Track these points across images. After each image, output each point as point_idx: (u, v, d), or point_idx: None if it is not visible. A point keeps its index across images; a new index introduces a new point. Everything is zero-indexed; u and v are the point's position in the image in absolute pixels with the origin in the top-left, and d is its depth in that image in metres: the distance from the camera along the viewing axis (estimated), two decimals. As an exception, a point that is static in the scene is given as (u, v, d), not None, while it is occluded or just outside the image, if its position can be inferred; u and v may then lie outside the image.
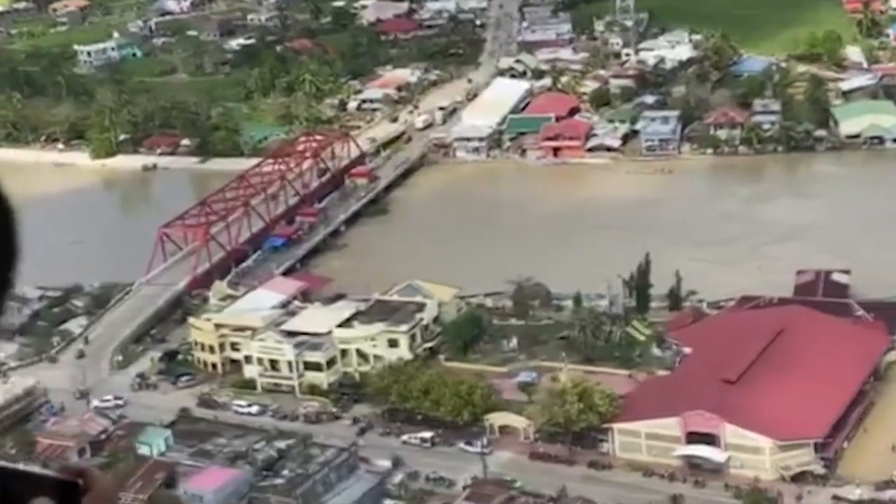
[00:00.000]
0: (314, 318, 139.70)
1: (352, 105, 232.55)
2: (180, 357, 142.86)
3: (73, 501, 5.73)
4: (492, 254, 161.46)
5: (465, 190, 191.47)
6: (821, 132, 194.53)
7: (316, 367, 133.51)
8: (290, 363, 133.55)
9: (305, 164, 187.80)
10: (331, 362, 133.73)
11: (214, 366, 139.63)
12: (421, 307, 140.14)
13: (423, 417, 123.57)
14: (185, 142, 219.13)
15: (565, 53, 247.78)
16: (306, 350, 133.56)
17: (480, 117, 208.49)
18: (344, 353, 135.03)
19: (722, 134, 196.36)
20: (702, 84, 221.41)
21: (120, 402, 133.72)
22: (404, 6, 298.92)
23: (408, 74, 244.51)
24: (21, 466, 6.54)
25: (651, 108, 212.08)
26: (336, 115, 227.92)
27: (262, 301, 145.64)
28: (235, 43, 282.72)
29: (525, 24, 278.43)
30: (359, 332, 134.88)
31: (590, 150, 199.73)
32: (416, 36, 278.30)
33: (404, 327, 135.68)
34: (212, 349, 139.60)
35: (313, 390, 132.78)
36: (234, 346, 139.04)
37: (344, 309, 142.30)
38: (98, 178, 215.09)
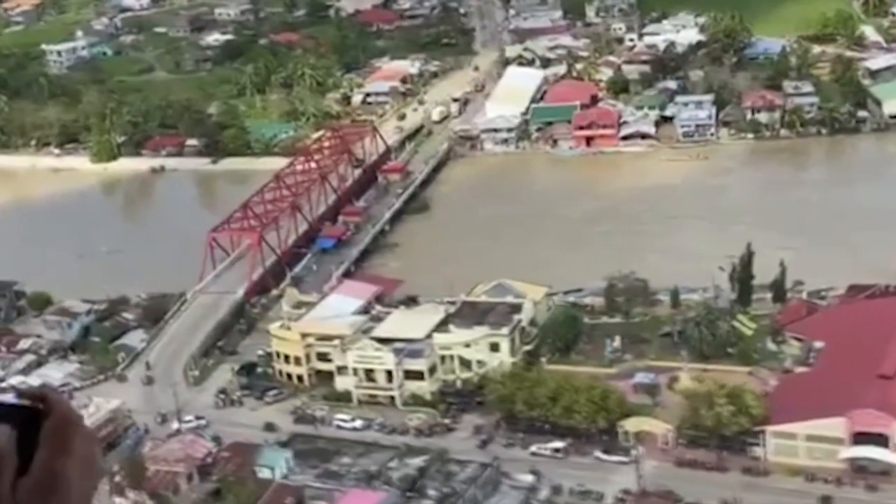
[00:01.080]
0: (405, 324, 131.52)
1: (356, 99, 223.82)
2: (259, 370, 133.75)
3: (34, 427, 5.38)
4: (556, 249, 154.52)
5: (504, 182, 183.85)
6: (863, 113, 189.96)
7: (417, 375, 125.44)
8: (389, 372, 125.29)
9: (339, 161, 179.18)
10: (431, 370, 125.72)
11: (300, 378, 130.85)
12: (516, 308, 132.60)
13: (550, 425, 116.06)
14: (191, 142, 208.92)
15: (565, 40, 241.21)
16: (406, 357, 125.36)
17: (504, 107, 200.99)
18: (441, 359, 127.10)
19: (762, 117, 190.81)
20: (719, 67, 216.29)
21: (202, 421, 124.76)
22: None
23: (408, 66, 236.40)
24: None
25: (676, 93, 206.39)
26: (344, 109, 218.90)
27: (339, 307, 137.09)
28: (212, 38, 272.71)
29: (512, 11, 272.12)
30: (460, 336, 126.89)
31: (624, 138, 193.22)
32: (400, 27, 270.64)
33: (505, 330, 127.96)
34: (297, 360, 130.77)
35: (416, 400, 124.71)
36: (322, 356, 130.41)
37: (432, 312, 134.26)
38: (104, 182, 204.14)
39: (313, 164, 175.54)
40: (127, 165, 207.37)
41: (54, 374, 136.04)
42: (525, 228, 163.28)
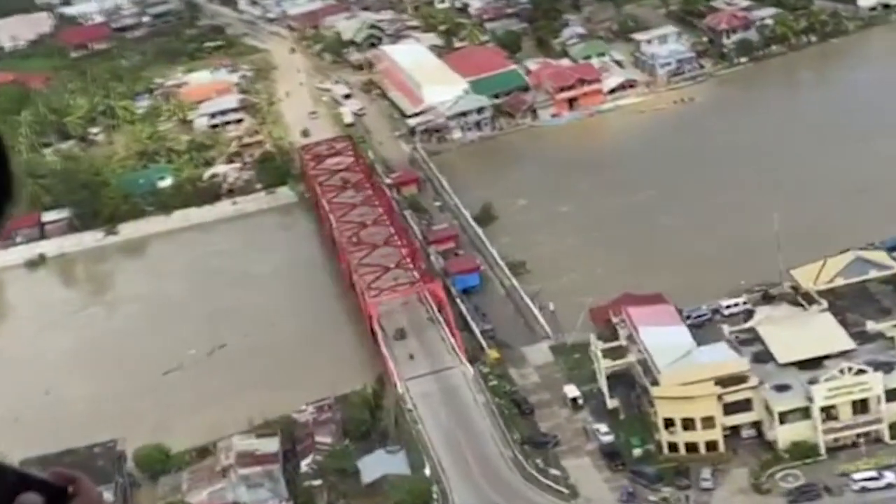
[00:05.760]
0: (805, 337, 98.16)
1: (199, 122, 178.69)
2: (639, 452, 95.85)
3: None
4: (737, 221, 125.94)
5: (538, 168, 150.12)
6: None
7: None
8: (860, 402, 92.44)
9: (366, 184, 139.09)
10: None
11: (711, 445, 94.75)
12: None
13: None
14: (52, 216, 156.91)
15: (368, 15, 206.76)
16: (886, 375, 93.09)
17: (442, 89, 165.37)
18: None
19: (751, 37, 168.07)
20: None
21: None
22: (42, 17, 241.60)
23: (220, 76, 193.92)
24: (14, 465, 6.15)
25: (586, 37, 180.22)
26: (213, 137, 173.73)
27: (671, 341, 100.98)
28: None
29: (242, 0, 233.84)
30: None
31: (611, 91, 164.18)
32: (123, 39, 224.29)
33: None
34: (707, 422, 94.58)
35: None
36: (730, 408, 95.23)
37: (808, 316, 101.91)
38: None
39: (350, 196, 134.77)
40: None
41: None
42: (655, 212, 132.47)
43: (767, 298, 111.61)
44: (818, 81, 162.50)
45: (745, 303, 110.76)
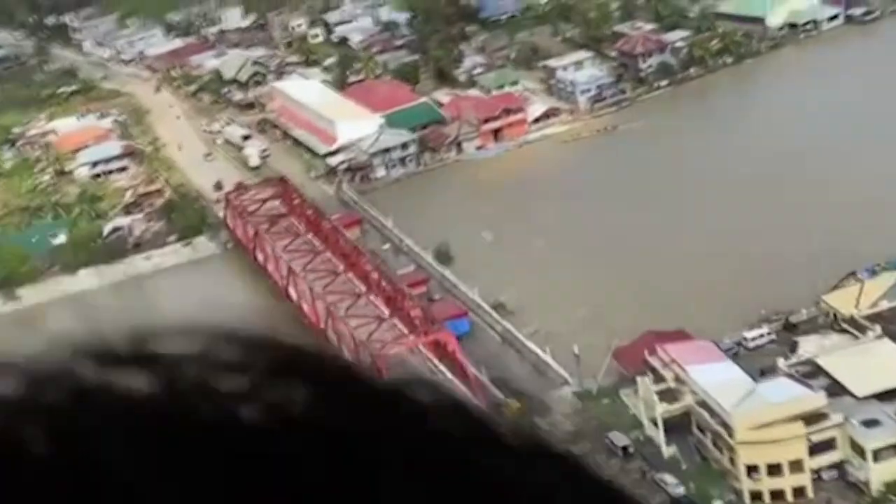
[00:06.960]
0: (868, 369, 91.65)
1: (80, 172, 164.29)
2: None
3: None
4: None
5: (480, 204, 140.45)
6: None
7: None
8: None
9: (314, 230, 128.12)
10: None
11: (799, 491, 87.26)
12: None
13: None
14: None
15: (238, 52, 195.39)
16: None
17: (357, 125, 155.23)
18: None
19: (669, 60, 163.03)
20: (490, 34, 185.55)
21: None
22: None
23: (86, 122, 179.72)
24: None
25: (489, 66, 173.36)
26: (100, 187, 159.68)
27: (722, 378, 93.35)
28: None
29: (87, 44, 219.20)
30: None
31: (535, 121, 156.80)
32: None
33: None
34: (795, 465, 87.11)
35: None
36: (811, 449, 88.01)
37: (869, 344, 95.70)
38: None
39: (305, 243, 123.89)
40: None
41: None
42: (638, 241, 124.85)
43: (789, 327, 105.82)
44: (743, 102, 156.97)
45: (769, 333, 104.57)
